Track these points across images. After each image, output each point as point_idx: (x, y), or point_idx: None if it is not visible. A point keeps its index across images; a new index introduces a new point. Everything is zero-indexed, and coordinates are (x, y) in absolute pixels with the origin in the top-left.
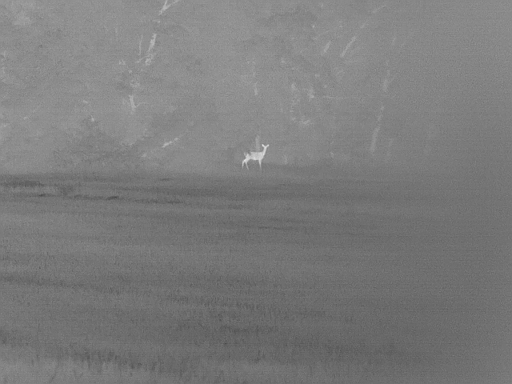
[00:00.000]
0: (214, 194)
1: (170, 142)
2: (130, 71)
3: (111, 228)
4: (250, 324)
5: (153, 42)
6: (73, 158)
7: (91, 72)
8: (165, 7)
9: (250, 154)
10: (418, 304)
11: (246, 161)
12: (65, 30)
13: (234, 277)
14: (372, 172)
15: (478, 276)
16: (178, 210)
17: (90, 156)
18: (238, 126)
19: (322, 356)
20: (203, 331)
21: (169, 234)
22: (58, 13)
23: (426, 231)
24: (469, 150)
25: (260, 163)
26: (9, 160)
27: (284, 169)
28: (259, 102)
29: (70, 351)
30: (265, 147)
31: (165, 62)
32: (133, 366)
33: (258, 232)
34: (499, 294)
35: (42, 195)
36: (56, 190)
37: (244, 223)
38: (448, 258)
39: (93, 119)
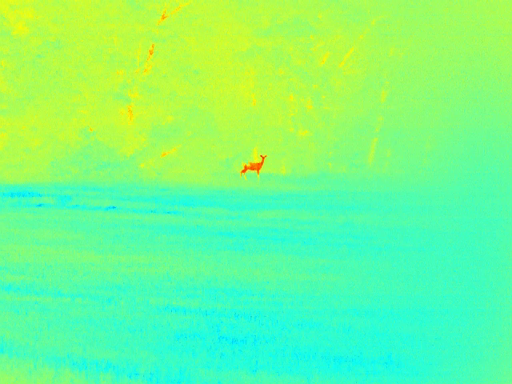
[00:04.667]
0: (212, 204)
1: (168, 151)
2: (129, 80)
3: (109, 238)
4: (248, 335)
5: (151, 52)
6: (71, 167)
7: (89, 81)
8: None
9: (248, 163)
10: (415, 315)
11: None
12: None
13: (231, 287)
14: (370, 182)
15: (476, 287)
16: (176, 219)
17: (88, 166)
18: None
19: (320, 367)
20: (201, 342)
21: (166, 245)
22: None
23: (425, 242)
24: (466, 159)
25: (258, 174)
26: (7, 170)
27: (282, 179)
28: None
29: (67, 361)
30: (263, 156)
31: (163, 72)
32: (130, 377)
33: (255, 243)
34: (499, 306)
35: (39, 205)
36: (54, 200)
37: (242, 234)
38: (446, 268)
39: (91, 129)
